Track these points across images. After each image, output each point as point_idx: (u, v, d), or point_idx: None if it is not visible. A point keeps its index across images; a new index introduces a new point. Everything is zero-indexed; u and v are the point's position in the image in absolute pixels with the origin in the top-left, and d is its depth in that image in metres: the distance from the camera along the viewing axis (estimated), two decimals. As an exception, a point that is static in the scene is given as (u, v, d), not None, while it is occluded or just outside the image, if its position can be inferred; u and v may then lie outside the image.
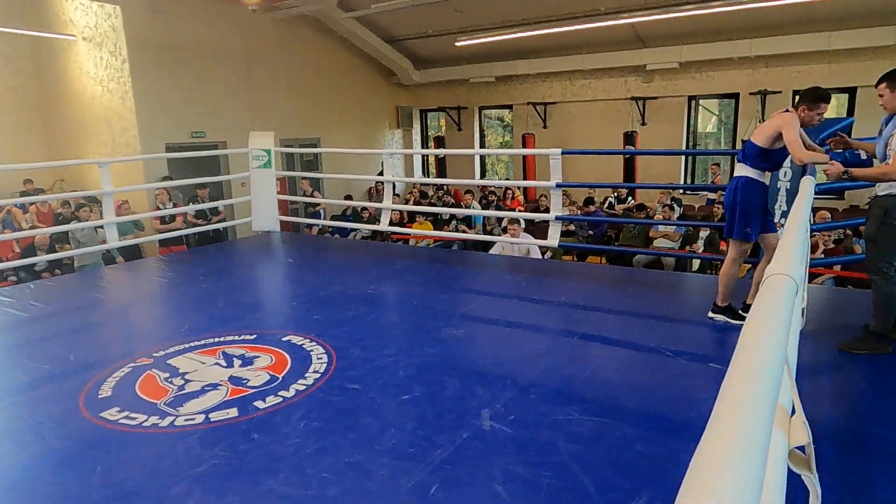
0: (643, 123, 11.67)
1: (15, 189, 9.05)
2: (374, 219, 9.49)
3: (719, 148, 12.08)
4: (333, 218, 10.33)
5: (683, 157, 11.57)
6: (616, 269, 6.13)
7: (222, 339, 3.55)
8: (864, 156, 3.18)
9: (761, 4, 8.72)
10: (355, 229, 8.84)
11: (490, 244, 6.91)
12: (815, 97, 3.18)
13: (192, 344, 3.47)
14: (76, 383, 2.99)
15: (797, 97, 3.24)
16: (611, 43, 11.10)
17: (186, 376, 3.02)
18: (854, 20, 9.08)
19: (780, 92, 10.06)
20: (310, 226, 9.36)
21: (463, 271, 5.43)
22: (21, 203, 8.06)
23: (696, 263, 6.99)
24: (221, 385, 2.91)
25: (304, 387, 2.87)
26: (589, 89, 12.24)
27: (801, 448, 0.93)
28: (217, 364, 3.17)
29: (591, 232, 8.36)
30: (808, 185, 2.52)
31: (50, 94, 10.22)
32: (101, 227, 5.98)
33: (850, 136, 3.62)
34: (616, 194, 10.14)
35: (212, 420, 2.56)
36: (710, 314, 3.64)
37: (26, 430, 2.55)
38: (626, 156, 11.10)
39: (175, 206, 8.05)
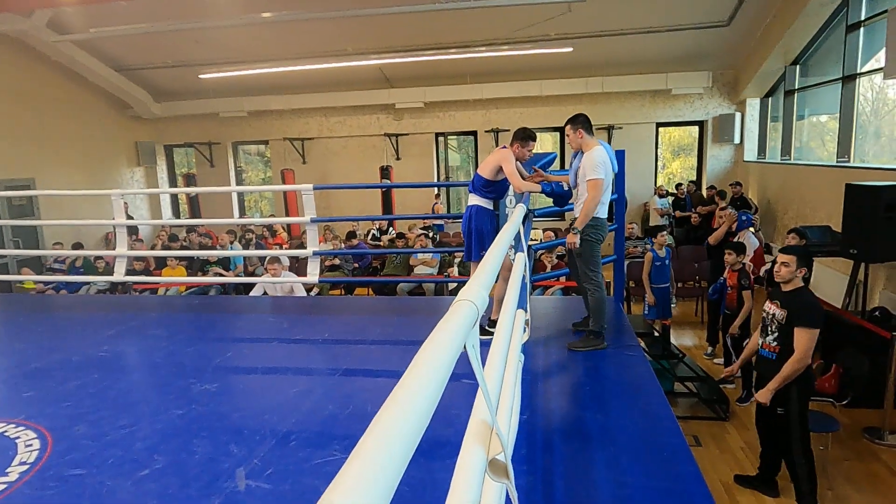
0: (398, 158, 12.36)
1: None
2: (112, 269, 8.31)
3: (468, 179, 13.34)
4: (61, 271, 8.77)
5: (436, 189, 12.52)
6: (380, 300, 6.29)
7: None
8: (565, 186, 3.77)
9: (487, 54, 9.98)
10: (87, 283, 7.63)
11: (251, 286, 6.55)
12: (524, 136, 3.69)
13: None
14: None
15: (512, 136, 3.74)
16: (361, 82, 11.58)
17: None
18: (555, 72, 10.93)
19: (508, 130, 11.54)
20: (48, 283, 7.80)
21: (219, 319, 5.03)
22: None
23: (452, 284, 7.54)
24: None
25: (5, 485, 2.32)
26: (344, 126, 12.56)
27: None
28: None
29: (356, 264, 8.48)
30: (518, 211, 2.89)
31: None
32: None
33: (557, 167, 4.26)
34: (378, 226, 10.48)
35: None
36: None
37: None
38: (383, 189, 11.59)
39: None
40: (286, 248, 9.86)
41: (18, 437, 2.72)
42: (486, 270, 1.24)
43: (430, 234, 8.82)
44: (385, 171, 11.76)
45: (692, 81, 10.80)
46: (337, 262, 8.33)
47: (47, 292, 7.94)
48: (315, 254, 5.08)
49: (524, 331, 2.72)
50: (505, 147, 3.67)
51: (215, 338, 4.48)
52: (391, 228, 10.50)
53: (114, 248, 5.67)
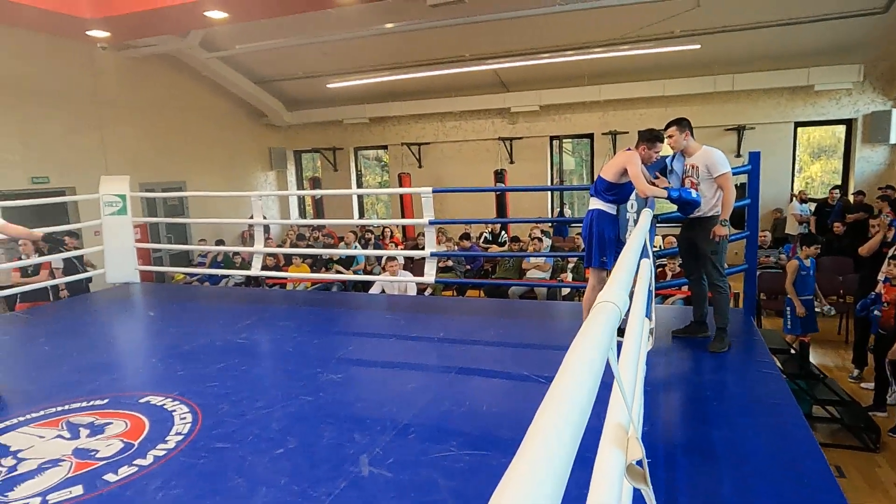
0: (511, 162, 12.37)
1: None
2: (248, 264, 9.08)
3: (583, 182, 13.07)
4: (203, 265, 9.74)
5: (550, 192, 12.38)
6: (492, 302, 6.32)
7: (66, 407, 3.16)
8: (694, 193, 3.55)
9: (606, 55, 9.70)
10: (226, 276, 8.39)
11: (370, 284, 6.85)
12: (651, 137, 3.55)
13: (27, 416, 3.05)
14: None
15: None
16: (477, 87, 11.72)
17: (19, 455, 2.64)
18: (679, 71, 10.38)
19: (627, 132, 11.14)
20: (191, 275, 8.76)
21: (341, 314, 5.32)
22: None
23: (565, 290, 7.41)
24: (64, 460, 2.57)
25: (165, 451, 2.62)
26: (460, 130, 12.77)
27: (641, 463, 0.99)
28: (59, 437, 2.81)
29: (468, 266, 8.59)
30: (645, 216, 2.79)
31: None
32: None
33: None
34: (490, 229, 10.54)
35: (50, 503, 2.25)
36: (577, 339, 3.85)
37: None
38: (497, 192, 11.64)
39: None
40: (401, 249, 10.22)
41: (175, 411, 3.05)
42: (624, 274, 1.22)
43: (544, 238, 8.71)
44: (499, 175, 11.80)
45: (839, 76, 9.78)
46: (450, 263, 8.49)
47: (193, 283, 8.84)
48: (432, 254, 5.23)
49: (648, 340, 2.62)
50: (630, 149, 3.56)
51: (338, 331, 4.74)
52: (504, 233, 10.50)
53: (251, 245, 6.20)
